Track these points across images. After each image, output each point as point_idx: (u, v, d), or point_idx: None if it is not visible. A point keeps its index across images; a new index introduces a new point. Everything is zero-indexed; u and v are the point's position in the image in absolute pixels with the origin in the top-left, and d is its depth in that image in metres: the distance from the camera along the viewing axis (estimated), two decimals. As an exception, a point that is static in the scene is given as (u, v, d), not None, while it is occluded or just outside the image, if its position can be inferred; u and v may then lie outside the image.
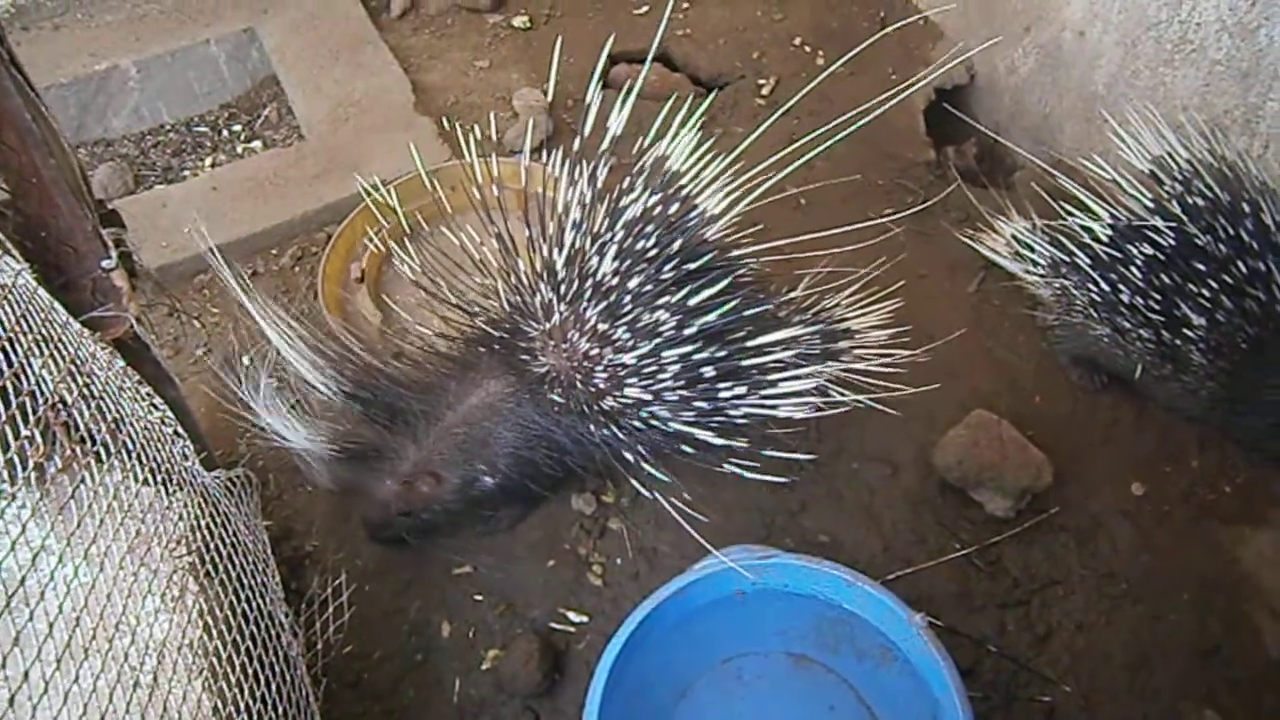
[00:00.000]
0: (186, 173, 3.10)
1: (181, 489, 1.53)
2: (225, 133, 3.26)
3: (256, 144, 3.17)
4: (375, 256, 2.57)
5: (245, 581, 1.53)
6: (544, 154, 2.10)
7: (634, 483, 1.98)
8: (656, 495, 1.93)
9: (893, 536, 2.12)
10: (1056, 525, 2.13)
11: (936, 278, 2.54)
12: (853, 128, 2.05)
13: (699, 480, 2.02)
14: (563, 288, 1.89)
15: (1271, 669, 1.95)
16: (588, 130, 1.96)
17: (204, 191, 2.80)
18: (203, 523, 1.49)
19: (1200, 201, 2.12)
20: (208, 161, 3.14)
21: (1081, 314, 2.27)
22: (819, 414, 2.05)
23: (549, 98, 2.98)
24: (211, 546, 1.48)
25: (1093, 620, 2.02)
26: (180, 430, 1.67)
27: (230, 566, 1.51)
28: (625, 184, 1.93)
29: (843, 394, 2.06)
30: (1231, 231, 2.07)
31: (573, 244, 1.89)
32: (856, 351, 2.11)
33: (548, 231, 1.92)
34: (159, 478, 1.44)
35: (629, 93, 2.04)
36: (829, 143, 2.02)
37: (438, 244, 2.16)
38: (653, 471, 1.93)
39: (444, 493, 2.02)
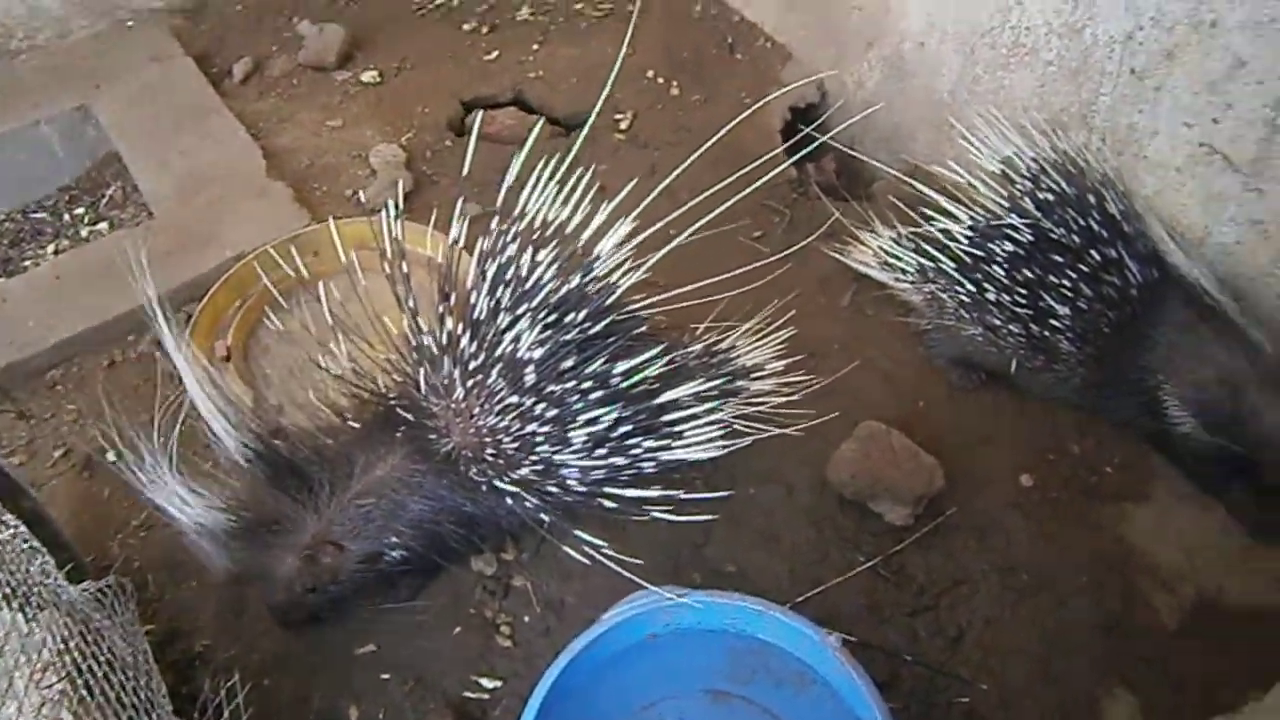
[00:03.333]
0: (27, 263, 2.93)
1: (45, 609, 1.42)
2: (67, 217, 3.09)
3: (103, 225, 3.02)
4: (241, 332, 2.47)
5: (127, 700, 1.42)
6: (401, 209, 2.05)
7: (556, 543, 1.97)
8: (571, 551, 1.92)
9: (798, 558, 2.12)
10: (954, 526, 2.16)
11: (810, 294, 2.57)
12: (705, 147, 2.08)
13: (602, 527, 1.98)
14: (468, 362, 1.87)
15: (1169, 639, 2.01)
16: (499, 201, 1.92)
17: (47, 282, 2.64)
18: (73, 643, 1.38)
19: (1050, 196, 2.20)
20: (50, 249, 2.97)
21: (953, 316, 2.33)
22: (726, 450, 2.05)
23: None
24: (85, 668, 1.38)
25: (999, 615, 2.05)
26: (38, 544, 1.55)
27: (108, 686, 1.41)
28: (523, 250, 1.90)
29: (745, 428, 2.08)
30: (1082, 222, 2.16)
31: (475, 316, 1.87)
32: (754, 385, 2.14)
33: (449, 302, 1.89)
34: (16, 601, 1.33)
35: (518, 141, 1.99)
36: (687, 164, 2.03)
37: (319, 313, 2.09)
38: (579, 534, 1.93)
39: (348, 563, 1.94)
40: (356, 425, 1.98)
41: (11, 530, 1.48)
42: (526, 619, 2.06)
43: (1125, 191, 2.22)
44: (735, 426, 2.08)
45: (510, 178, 1.96)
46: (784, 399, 2.13)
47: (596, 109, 2.34)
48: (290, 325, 2.31)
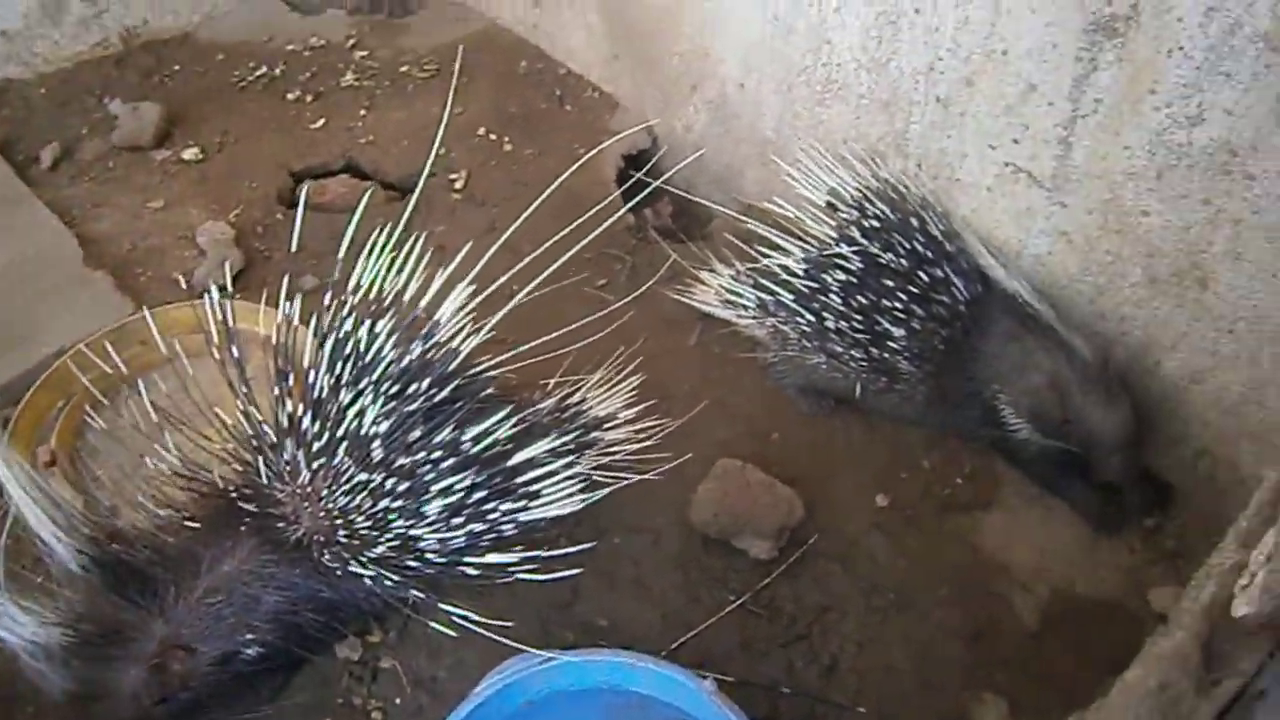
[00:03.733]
0: None
1: None
2: None
3: (-94, 332, 2.81)
4: (66, 434, 2.32)
5: None
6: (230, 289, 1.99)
7: (422, 620, 1.92)
8: (438, 626, 1.86)
9: (669, 604, 2.11)
10: (818, 553, 2.19)
11: (658, 338, 2.58)
12: (540, 199, 2.08)
13: (468, 596, 1.93)
14: (311, 443, 1.80)
15: (1031, 639, 2.09)
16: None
17: None
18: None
19: (875, 223, 2.29)
20: None
21: (796, 347, 2.38)
22: (586, 503, 2.03)
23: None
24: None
25: (870, 636, 2.08)
26: None
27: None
28: (360, 322, 1.86)
29: (604, 478, 2.07)
30: (908, 246, 2.25)
31: (316, 394, 1.81)
32: (609, 435, 2.13)
33: (287, 383, 1.83)
34: None
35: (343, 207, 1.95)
36: (524, 218, 2.03)
37: (147, 406, 1.99)
38: (444, 607, 1.87)
39: (200, 667, 1.83)
40: (198, 521, 1.88)
41: None
42: (398, 701, 1.98)
43: (944, 213, 2.33)
44: (594, 478, 2.08)
45: (343, 248, 1.92)
46: (639, 445, 2.13)
47: (426, 170, 2.34)
48: (119, 422, 2.19)
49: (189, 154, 3.18)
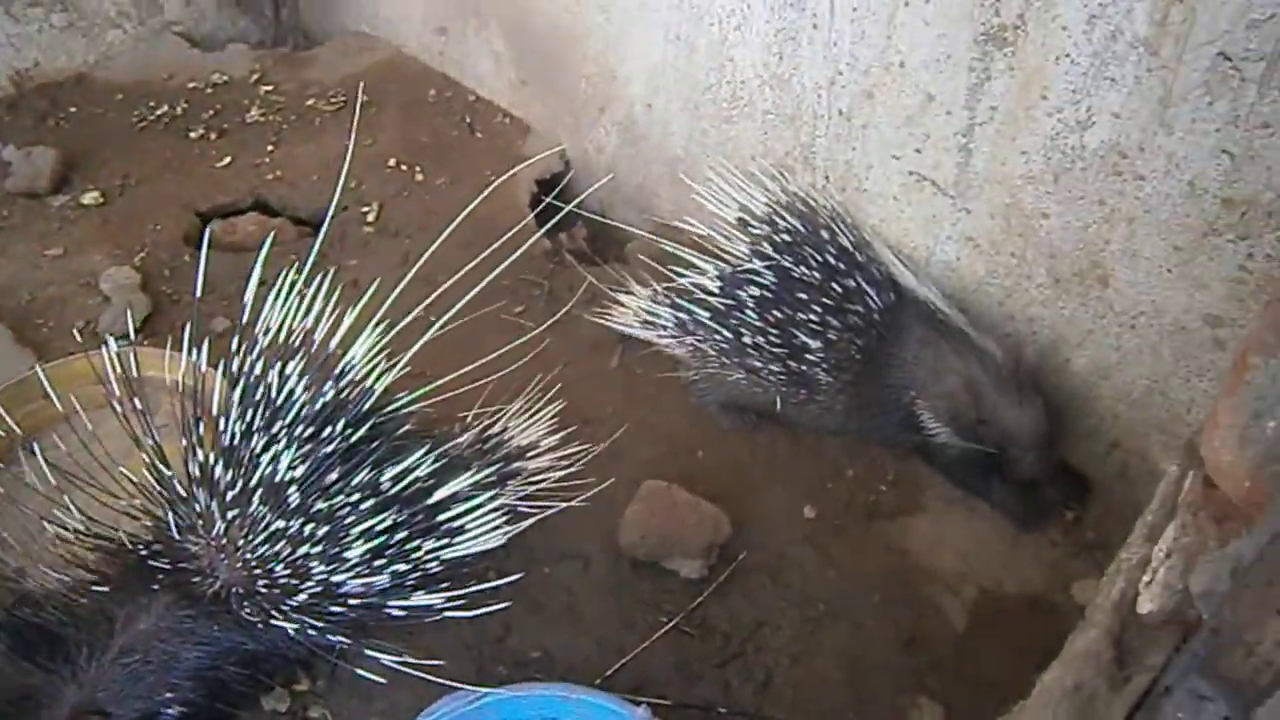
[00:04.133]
0: None
1: None
2: None
3: None
4: (-34, 497, 2.23)
5: None
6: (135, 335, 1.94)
7: (349, 667, 1.88)
8: (366, 672, 1.83)
9: (602, 630, 2.10)
10: (749, 569, 2.19)
11: (579, 362, 2.58)
12: (451, 227, 2.07)
13: (397, 636, 1.90)
14: (225, 492, 1.76)
15: (960, 640, 2.11)
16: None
17: None
18: None
19: (787, 237, 2.31)
20: None
21: (716, 364, 2.39)
22: (511, 535, 2.01)
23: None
24: None
25: (803, 649, 2.08)
26: None
27: None
28: (270, 365, 1.82)
29: (529, 508, 2.05)
30: (820, 258, 2.27)
31: (227, 441, 1.77)
32: (532, 464, 2.11)
33: (197, 431, 1.78)
34: None
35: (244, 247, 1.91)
36: (434, 246, 2.02)
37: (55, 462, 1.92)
38: (372, 653, 1.83)
39: None
40: (109, 581, 1.82)
41: None
42: (329, 750, 1.94)
43: (854, 223, 2.36)
44: (519, 508, 2.06)
45: (251, 288, 1.88)
46: (563, 472, 2.12)
47: (334, 203, 2.30)
48: (21, 481, 2.11)
49: (89, 198, 3.09)
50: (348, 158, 2.13)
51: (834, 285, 2.25)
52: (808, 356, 2.27)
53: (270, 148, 3.34)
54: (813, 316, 2.25)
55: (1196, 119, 1.76)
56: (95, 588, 1.81)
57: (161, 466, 1.79)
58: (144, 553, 1.78)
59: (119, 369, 1.89)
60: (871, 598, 2.17)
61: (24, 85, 3.46)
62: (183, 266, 2.90)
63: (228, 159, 3.29)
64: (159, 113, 3.45)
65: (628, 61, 2.82)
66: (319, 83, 3.63)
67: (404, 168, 3.24)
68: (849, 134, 2.34)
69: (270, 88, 3.61)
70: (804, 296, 2.26)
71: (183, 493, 1.79)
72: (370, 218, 3.07)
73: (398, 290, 1.95)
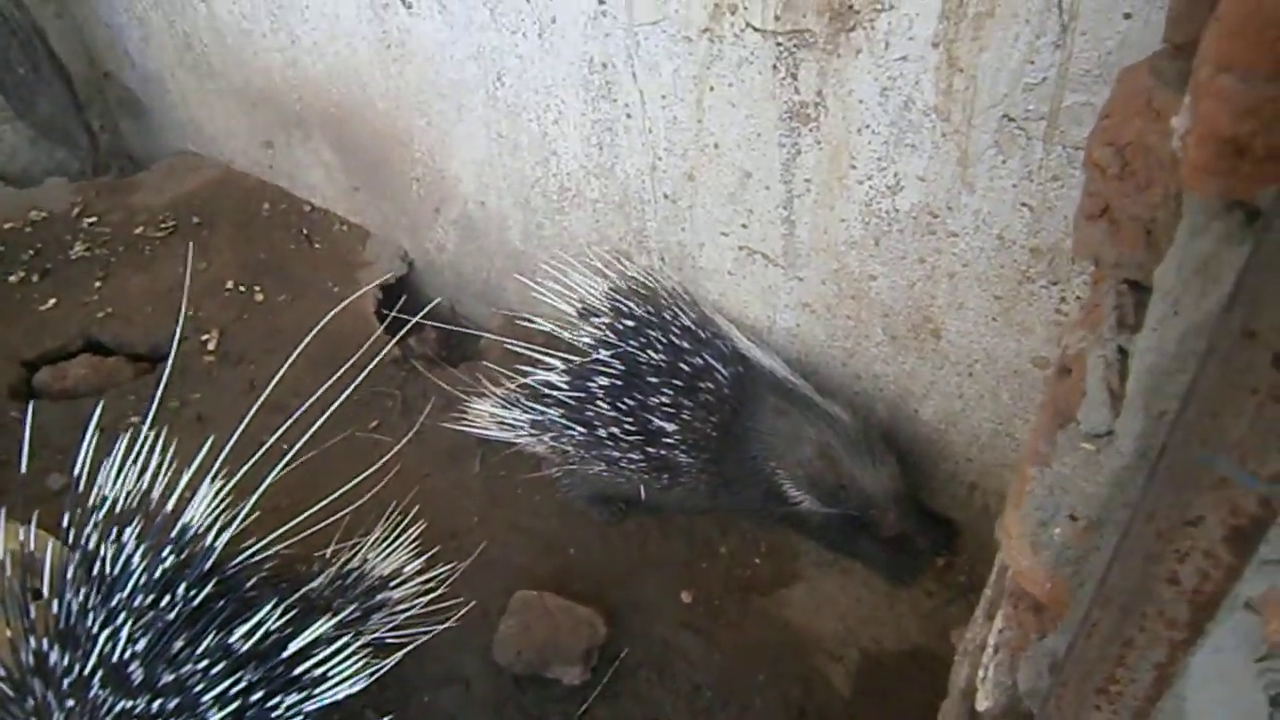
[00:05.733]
0: None
1: None
2: None
3: None
4: None
5: None
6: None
7: None
8: None
9: (489, 754, 2.03)
10: (632, 666, 2.15)
11: (441, 471, 2.52)
12: (299, 348, 2.03)
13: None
14: (61, 679, 1.65)
15: (847, 706, 2.10)
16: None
17: None
18: None
19: (629, 323, 2.30)
20: None
21: (576, 459, 2.35)
22: (379, 670, 1.93)
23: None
24: None
25: (696, 741, 2.06)
26: None
27: None
28: (105, 536, 1.73)
29: (397, 639, 1.98)
30: (665, 340, 2.27)
31: (61, 623, 1.66)
32: (397, 593, 2.04)
33: (28, 617, 1.68)
34: None
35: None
36: (280, 373, 1.97)
37: None
38: None
39: None
40: None
41: None
42: None
43: (693, 301, 2.37)
44: (388, 640, 1.98)
45: (84, 451, 1.79)
46: (431, 596, 2.05)
47: (176, 336, 2.22)
48: None
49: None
50: (185, 286, 2.06)
51: (682, 365, 2.25)
52: (665, 440, 2.26)
53: (98, 283, 3.21)
54: (664, 399, 2.25)
55: (994, 177, 1.82)
56: None
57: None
58: None
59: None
60: (758, 676, 2.15)
61: None
62: (10, 423, 2.74)
63: (52, 300, 3.14)
64: (-27, 259, 3.29)
65: (455, 161, 2.80)
66: (146, 208, 3.52)
67: (243, 289, 3.15)
68: (677, 215, 2.36)
69: (94, 219, 3.48)
70: (653, 380, 2.25)
71: (14, 689, 1.67)
72: (211, 345, 2.96)
73: (243, 425, 1.89)
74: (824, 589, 2.30)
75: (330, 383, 2.35)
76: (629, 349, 2.27)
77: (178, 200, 3.56)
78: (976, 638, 1.17)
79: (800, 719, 2.09)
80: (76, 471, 1.81)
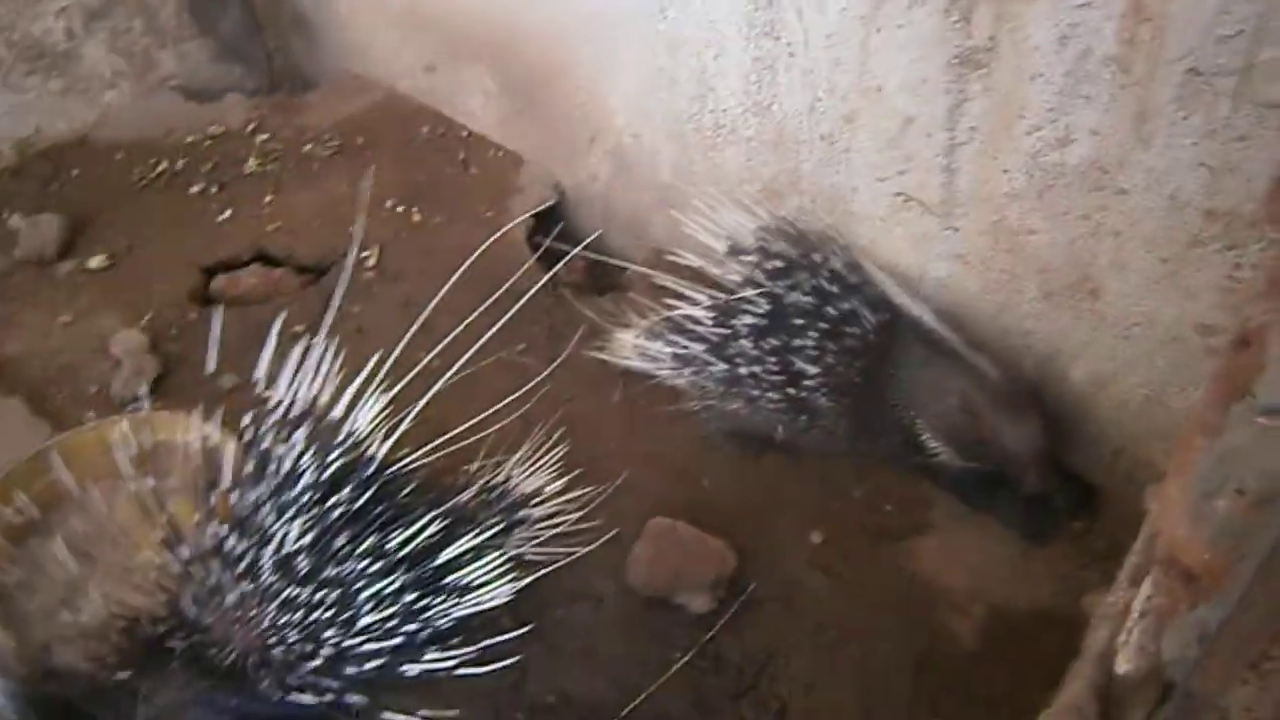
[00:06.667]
0: None
1: None
2: None
3: None
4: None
5: None
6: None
7: None
8: None
9: (616, 669, 2.11)
10: (759, 599, 2.20)
11: (583, 398, 2.60)
12: (458, 273, 2.10)
13: (413, 691, 1.93)
14: (236, 562, 1.80)
15: (971, 660, 2.11)
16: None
17: None
18: None
19: (778, 263, 2.31)
20: None
21: (715, 394, 2.40)
22: (520, 585, 2.04)
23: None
24: None
25: (817, 677, 2.09)
26: None
27: None
28: (279, 436, 1.86)
29: (537, 555, 2.07)
30: (813, 282, 2.27)
31: (239, 513, 1.81)
32: (538, 511, 2.14)
33: (210, 503, 1.84)
34: None
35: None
36: (439, 297, 2.05)
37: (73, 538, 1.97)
38: (388, 715, 1.87)
39: None
40: (129, 656, 1.86)
41: None
42: (351, 807, 1.97)
43: (844, 246, 2.36)
44: (527, 557, 2.08)
45: (263, 362, 1.92)
46: (571, 517, 2.14)
47: (351, 254, 2.33)
48: (38, 558, 2.16)
49: (95, 262, 3.15)
50: (361, 205, 2.16)
51: (828, 308, 2.25)
52: (806, 382, 2.27)
53: (269, 198, 3.38)
54: (809, 342, 2.26)
55: (1173, 134, 1.75)
56: (115, 664, 1.85)
57: (176, 541, 1.82)
58: (161, 630, 1.82)
59: (133, 441, 1.93)
60: (882, 621, 2.17)
61: (26, 152, 3.53)
62: (190, 325, 2.94)
63: (228, 212, 3.33)
64: (159, 170, 3.51)
65: (613, 93, 2.83)
66: (314, 127, 3.67)
67: (401, 209, 3.27)
68: (832, 158, 2.34)
69: (267, 136, 3.65)
70: (799, 322, 2.26)
71: (196, 565, 1.83)
72: (371, 262, 3.10)
73: (404, 342, 1.99)
74: (956, 542, 2.30)
75: (485, 306, 2.43)
76: (776, 289, 2.28)
77: (343, 121, 3.70)
78: (1119, 602, 1.17)
79: (922, 667, 2.11)
80: (255, 375, 1.94)
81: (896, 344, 2.25)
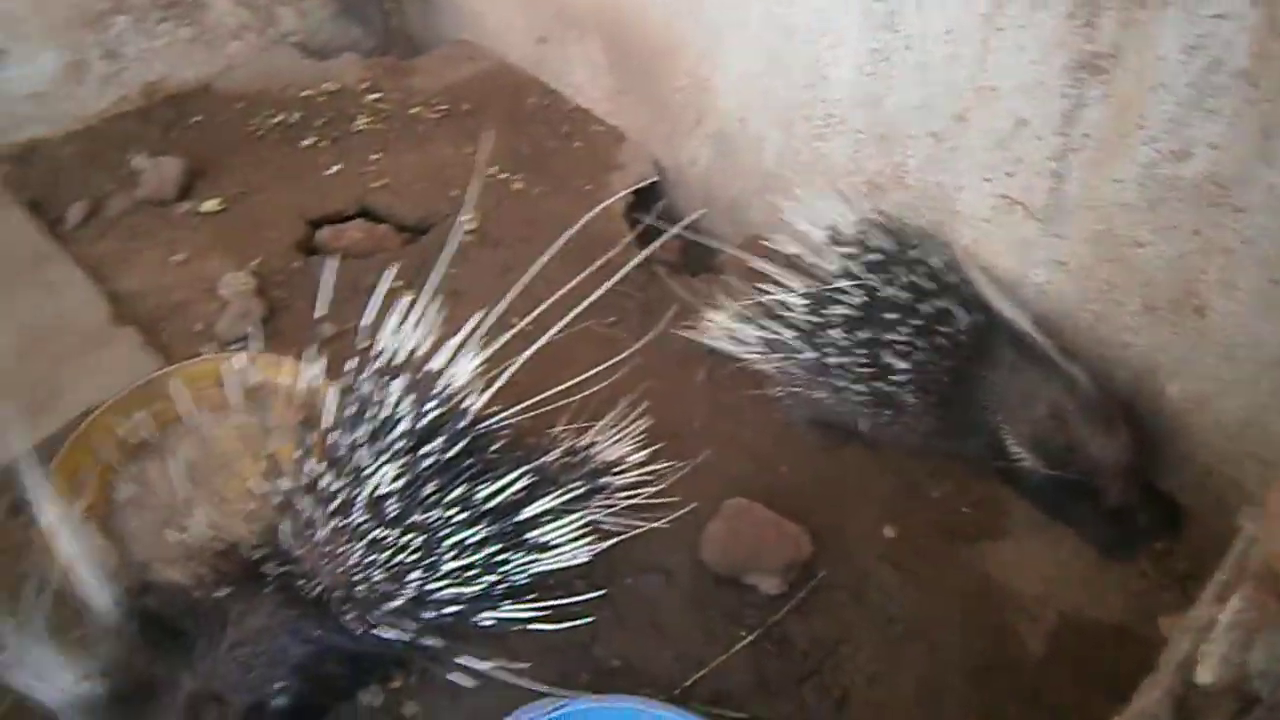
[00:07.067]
0: None
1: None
2: (-97, 385, 2.98)
3: (-58, 392, 2.91)
4: (97, 491, 2.41)
5: None
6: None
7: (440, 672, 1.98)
8: (457, 678, 1.93)
9: (682, 641, 2.15)
10: (829, 587, 2.22)
11: (668, 375, 2.63)
12: (559, 242, 2.15)
13: (485, 641, 2.00)
14: (329, 500, 1.87)
15: (1038, 667, 2.10)
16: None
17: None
18: None
19: (876, 257, 2.31)
20: (-111, 419, 2.86)
21: (801, 382, 2.41)
22: (597, 550, 2.09)
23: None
24: None
25: (881, 669, 2.11)
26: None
27: None
28: (379, 383, 1.93)
29: (615, 524, 2.12)
30: (908, 278, 2.27)
31: (335, 453, 1.88)
32: (618, 480, 2.18)
33: (308, 441, 1.91)
34: None
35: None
36: (540, 263, 2.10)
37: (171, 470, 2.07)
38: (461, 660, 1.94)
39: (231, 717, 1.91)
40: (225, 578, 1.95)
41: None
42: (419, 746, 2.05)
43: (944, 244, 2.36)
44: (604, 525, 2.13)
45: (370, 312, 1.98)
46: (649, 489, 2.18)
47: (461, 216, 2.40)
48: (148, 478, 2.27)
49: (210, 205, 3.27)
50: (479, 171, 2.21)
51: (922, 305, 2.25)
52: (893, 377, 2.28)
53: (376, 156, 3.47)
54: (900, 337, 2.26)
55: (1298, 153, 1.72)
56: (212, 585, 1.95)
57: (275, 474, 1.91)
58: (256, 556, 1.91)
59: (240, 376, 2.02)
60: (951, 620, 2.18)
61: (153, 96, 3.68)
62: (294, 273, 3.05)
63: (337, 167, 3.43)
64: (275, 121, 3.63)
65: (722, 75, 2.85)
66: (423, 91, 3.76)
67: (504, 176, 3.34)
68: (939, 155, 2.34)
69: (378, 96, 3.75)
70: (891, 317, 2.26)
71: (293, 498, 1.91)
72: (470, 227, 3.17)
73: (504, 303, 2.04)
74: (1031, 549, 2.29)
75: (581, 276, 2.47)
76: (871, 282, 2.28)
77: (452, 86, 3.78)
78: (1202, 617, 1.17)
79: (988, 669, 2.11)
80: (356, 324, 2.01)
81: (988, 346, 2.24)
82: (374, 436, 1.91)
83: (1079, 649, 2.12)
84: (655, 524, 2.12)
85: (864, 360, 2.29)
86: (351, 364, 1.96)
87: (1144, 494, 2.21)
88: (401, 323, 2.00)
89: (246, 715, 1.91)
